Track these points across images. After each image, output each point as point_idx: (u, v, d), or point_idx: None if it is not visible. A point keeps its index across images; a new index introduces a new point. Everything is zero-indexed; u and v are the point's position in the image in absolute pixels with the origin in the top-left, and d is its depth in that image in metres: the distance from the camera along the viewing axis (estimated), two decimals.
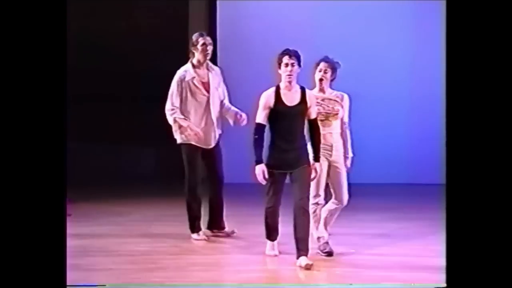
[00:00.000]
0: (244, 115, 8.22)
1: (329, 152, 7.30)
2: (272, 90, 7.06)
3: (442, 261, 5.31)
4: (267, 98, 7.03)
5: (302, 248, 6.96)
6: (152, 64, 12.52)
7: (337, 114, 7.31)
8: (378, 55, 12.08)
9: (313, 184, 7.21)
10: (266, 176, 7.01)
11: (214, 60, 11.41)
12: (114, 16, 12.75)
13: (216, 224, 8.45)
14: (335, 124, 7.33)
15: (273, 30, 11.98)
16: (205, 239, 8.28)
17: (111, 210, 10.19)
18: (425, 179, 11.77)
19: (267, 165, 7.02)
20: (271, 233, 7.37)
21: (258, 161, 7.00)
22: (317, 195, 7.32)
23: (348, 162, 7.42)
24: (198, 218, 8.34)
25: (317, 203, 7.34)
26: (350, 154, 7.43)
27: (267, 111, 7.01)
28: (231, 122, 8.32)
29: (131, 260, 7.51)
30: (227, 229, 8.44)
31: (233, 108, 8.30)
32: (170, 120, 8.11)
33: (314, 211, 7.34)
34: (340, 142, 7.38)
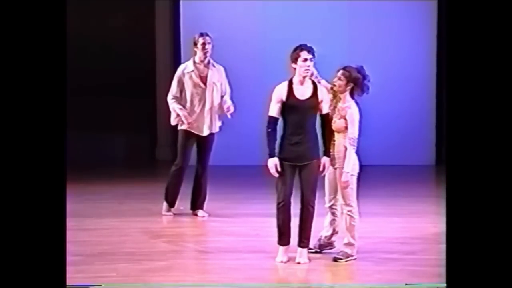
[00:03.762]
0: (231, 106, 8.72)
1: (333, 161, 7.01)
2: (285, 84, 6.92)
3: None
4: (280, 91, 6.89)
5: (302, 240, 6.98)
6: (122, 59, 12.76)
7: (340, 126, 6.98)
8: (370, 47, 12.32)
9: (327, 188, 7.16)
10: (279, 169, 6.84)
11: (178, 56, 11.95)
12: (85, 15, 12.88)
13: (192, 205, 9.01)
14: (339, 135, 7.00)
15: (234, 29, 12.34)
16: (170, 215, 8.93)
17: (87, 189, 10.54)
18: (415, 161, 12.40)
19: (278, 158, 6.89)
20: (281, 236, 7.00)
21: (271, 155, 6.85)
22: (332, 199, 7.18)
23: (343, 176, 6.91)
24: (173, 196, 8.93)
25: (331, 207, 7.21)
26: (346, 169, 6.89)
27: (279, 104, 6.87)
28: (227, 114, 8.81)
29: (105, 233, 8.07)
30: (198, 212, 8.96)
31: (228, 102, 8.76)
32: (170, 108, 8.85)
33: (332, 213, 7.23)
34: (344, 153, 6.96)
